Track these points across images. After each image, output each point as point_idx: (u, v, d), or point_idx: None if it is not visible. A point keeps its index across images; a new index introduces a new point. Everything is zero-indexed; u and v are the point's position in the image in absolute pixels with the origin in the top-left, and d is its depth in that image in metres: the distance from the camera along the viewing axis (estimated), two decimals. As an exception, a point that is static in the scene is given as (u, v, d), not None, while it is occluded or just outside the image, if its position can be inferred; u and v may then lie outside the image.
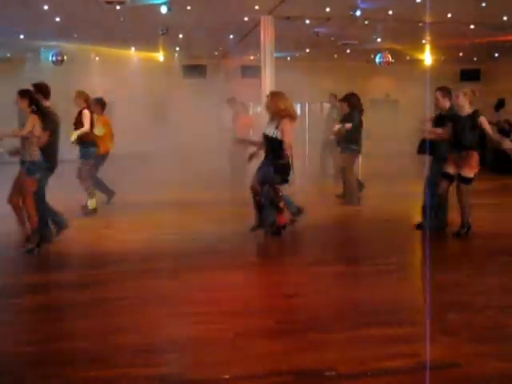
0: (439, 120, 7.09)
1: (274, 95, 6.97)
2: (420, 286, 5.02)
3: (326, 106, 18.69)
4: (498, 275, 5.33)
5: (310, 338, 3.78)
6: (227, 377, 3.24)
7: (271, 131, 6.75)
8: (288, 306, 4.52)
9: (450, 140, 6.72)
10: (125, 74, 17.17)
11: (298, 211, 7.38)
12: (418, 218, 7.29)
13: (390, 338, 3.75)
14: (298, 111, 20.11)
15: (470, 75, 20.70)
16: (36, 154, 6.22)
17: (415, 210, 8.96)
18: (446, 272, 5.38)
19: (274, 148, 6.70)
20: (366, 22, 12.71)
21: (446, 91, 7.05)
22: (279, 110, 6.72)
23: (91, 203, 8.38)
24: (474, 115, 6.53)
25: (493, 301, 4.55)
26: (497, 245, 6.58)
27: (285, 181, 6.85)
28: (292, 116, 6.81)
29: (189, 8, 11.63)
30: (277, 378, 3.23)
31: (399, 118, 20.28)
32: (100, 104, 9.02)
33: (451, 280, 5.12)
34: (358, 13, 11.54)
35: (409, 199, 10.03)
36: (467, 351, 3.56)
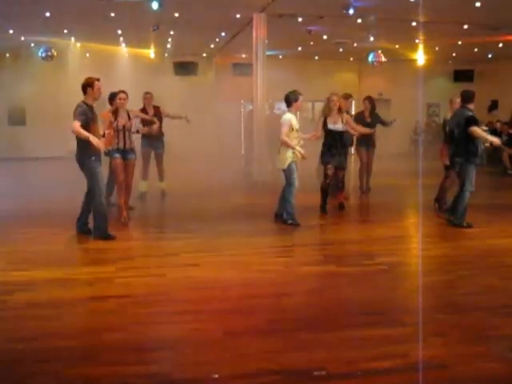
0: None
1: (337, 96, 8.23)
2: (411, 287, 5.01)
3: (317, 104, 18.72)
4: (489, 276, 5.33)
5: (299, 338, 3.76)
6: (216, 376, 3.22)
7: (340, 126, 8.13)
8: (278, 305, 4.49)
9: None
10: (115, 70, 17.07)
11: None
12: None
13: (379, 339, 3.73)
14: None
15: (463, 76, 20.66)
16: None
17: (407, 210, 8.99)
18: (436, 273, 5.39)
19: (343, 140, 8.26)
20: (359, 21, 12.70)
21: None
22: (342, 108, 8.10)
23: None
24: None
25: (483, 302, 4.54)
26: (487, 246, 6.61)
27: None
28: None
29: (180, 4, 11.57)
30: (266, 378, 3.21)
31: (391, 117, 20.34)
32: None
33: (442, 281, 5.12)
34: (351, 11, 11.52)
35: (402, 199, 10.06)
36: (457, 352, 3.55)
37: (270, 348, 3.60)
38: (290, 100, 7.45)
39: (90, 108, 6.46)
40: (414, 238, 7.11)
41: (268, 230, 7.37)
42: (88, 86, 6.45)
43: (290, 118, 7.38)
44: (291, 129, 7.30)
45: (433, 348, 3.58)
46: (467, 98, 7.31)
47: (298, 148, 7.30)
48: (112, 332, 3.88)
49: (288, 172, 7.42)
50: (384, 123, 10.28)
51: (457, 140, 7.28)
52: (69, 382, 3.20)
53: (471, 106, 7.29)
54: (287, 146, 7.29)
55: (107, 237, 6.58)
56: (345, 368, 3.32)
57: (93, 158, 6.44)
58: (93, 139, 6.18)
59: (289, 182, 7.43)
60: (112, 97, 8.01)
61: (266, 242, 6.83)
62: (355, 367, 3.32)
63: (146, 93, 9.56)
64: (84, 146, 6.36)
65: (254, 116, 12.70)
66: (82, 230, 6.84)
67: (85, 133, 6.20)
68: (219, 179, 12.24)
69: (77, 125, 6.19)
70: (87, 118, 6.32)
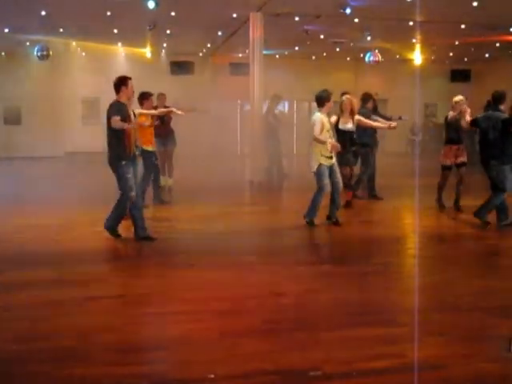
0: None
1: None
2: (407, 287, 4.99)
3: (315, 104, 18.67)
4: (486, 276, 5.33)
5: (296, 338, 3.74)
6: (212, 376, 3.19)
7: (350, 126, 7.99)
8: (275, 305, 4.47)
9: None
10: (111, 69, 17.02)
11: None
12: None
13: (376, 339, 3.72)
14: (286, 109, 20.09)
15: (460, 76, 20.59)
16: None
17: (404, 210, 8.97)
18: (434, 273, 5.37)
19: (353, 139, 8.16)
20: (356, 20, 12.69)
21: None
22: (354, 110, 8.00)
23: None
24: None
25: (480, 302, 4.53)
26: (485, 246, 6.61)
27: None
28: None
29: (177, 3, 11.54)
30: (262, 378, 3.19)
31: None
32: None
33: (439, 281, 5.10)
34: (348, 11, 11.51)
35: (399, 199, 10.05)
36: (454, 352, 3.54)
37: (266, 348, 3.58)
38: (323, 100, 7.16)
39: (125, 106, 6.29)
40: (411, 239, 7.10)
41: (264, 231, 7.35)
42: (122, 84, 6.28)
43: (321, 117, 7.09)
44: (322, 128, 7.01)
45: (429, 348, 3.57)
46: (499, 98, 7.15)
47: (329, 140, 6.98)
48: (107, 332, 3.85)
49: (317, 175, 7.12)
50: (388, 118, 10.05)
51: (493, 142, 7.05)
52: (64, 383, 3.17)
53: (502, 107, 7.14)
54: (319, 142, 6.97)
55: (114, 233, 6.53)
56: (341, 368, 3.30)
57: (123, 162, 6.24)
58: (128, 127, 6.07)
59: (318, 186, 7.17)
60: (142, 97, 7.97)
61: (263, 242, 6.82)
62: (351, 367, 3.30)
63: (161, 94, 9.97)
64: (116, 149, 6.23)
65: (251, 116, 12.67)
66: (142, 237, 6.53)
67: (124, 124, 6.05)
68: (215, 179, 12.21)
69: (118, 118, 6.00)
70: (123, 116, 6.11)
